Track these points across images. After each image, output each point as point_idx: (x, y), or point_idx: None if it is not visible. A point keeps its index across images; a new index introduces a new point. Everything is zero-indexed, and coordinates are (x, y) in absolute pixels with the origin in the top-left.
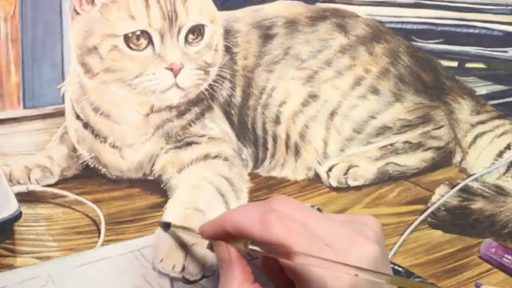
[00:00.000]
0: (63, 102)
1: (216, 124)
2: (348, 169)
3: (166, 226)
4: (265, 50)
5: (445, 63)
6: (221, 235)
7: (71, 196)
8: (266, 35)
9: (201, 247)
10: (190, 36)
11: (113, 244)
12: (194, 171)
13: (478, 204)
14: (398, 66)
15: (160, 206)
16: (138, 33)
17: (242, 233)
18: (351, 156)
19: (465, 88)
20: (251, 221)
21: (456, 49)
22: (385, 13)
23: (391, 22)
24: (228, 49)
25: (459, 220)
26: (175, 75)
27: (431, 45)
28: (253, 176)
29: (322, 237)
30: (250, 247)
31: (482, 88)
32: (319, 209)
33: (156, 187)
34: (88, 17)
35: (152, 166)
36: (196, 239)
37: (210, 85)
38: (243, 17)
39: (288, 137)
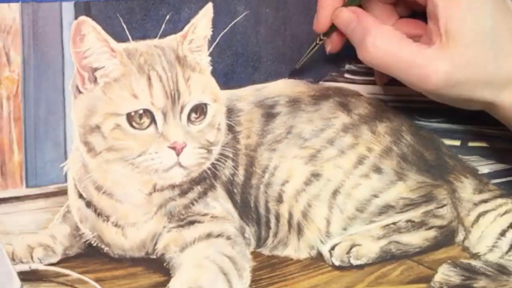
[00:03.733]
0: (65, 181)
1: (218, 203)
2: (350, 248)
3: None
4: (267, 129)
5: (448, 141)
6: None
7: (73, 275)
8: (268, 113)
9: None
10: (193, 115)
11: None
12: (196, 250)
13: (480, 283)
14: (401, 145)
15: (163, 285)
16: (141, 112)
17: None
18: (354, 235)
19: (468, 166)
20: None
21: (458, 128)
22: (388, 92)
23: (394, 101)
24: (230, 128)
25: None
26: (178, 154)
27: (433, 123)
28: (255, 255)
29: None
30: None
31: (485, 167)
32: None
33: (158, 266)
34: (91, 95)
35: (155, 245)
36: None
37: (212, 164)
38: (246, 95)
39: (291, 216)
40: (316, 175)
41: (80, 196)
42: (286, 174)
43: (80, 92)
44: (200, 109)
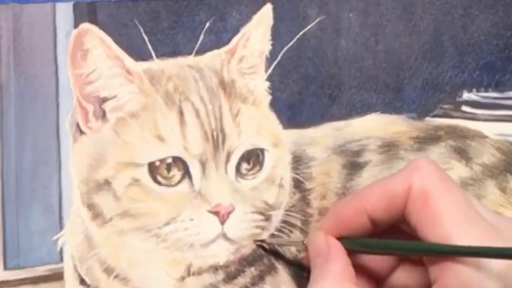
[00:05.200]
0: (60, 260)
1: None
2: None
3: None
4: (351, 186)
5: None
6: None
7: None
8: (353, 163)
9: None
10: (244, 166)
11: None
12: None
13: None
14: None
15: None
16: (169, 160)
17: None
18: None
19: None
20: None
21: None
22: None
23: None
24: (298, 184)
25: None
26: (222, 222)
27: None
28: None
29: None
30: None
31: None
32: None
33: None
34: (98, 138)
35: None
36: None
37: (272, 235)
38: (320, 138)
39: None
40: None
41: (82, 281)
42: None
43: (82, 132)
44: (254, 157)
